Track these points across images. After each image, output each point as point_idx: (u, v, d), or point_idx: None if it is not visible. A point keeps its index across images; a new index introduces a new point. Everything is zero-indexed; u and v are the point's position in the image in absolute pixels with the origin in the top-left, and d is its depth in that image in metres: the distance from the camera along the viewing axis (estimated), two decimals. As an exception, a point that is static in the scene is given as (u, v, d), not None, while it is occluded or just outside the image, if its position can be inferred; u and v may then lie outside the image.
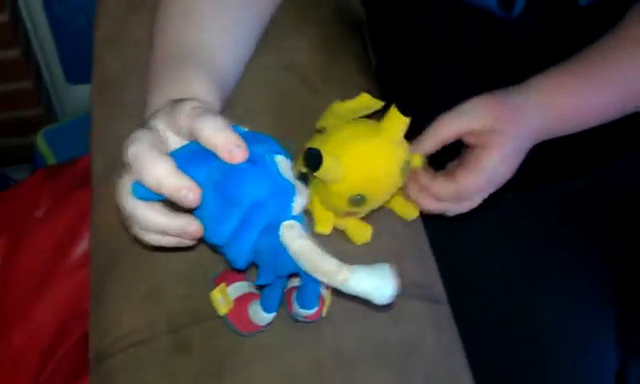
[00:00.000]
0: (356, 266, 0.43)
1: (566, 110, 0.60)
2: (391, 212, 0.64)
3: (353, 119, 0.57)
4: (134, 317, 0.57)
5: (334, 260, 0.43)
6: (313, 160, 0.51)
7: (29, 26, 1.37)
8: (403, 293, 0.60)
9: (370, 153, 0.54)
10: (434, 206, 0.60)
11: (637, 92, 0.62)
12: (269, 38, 0.67)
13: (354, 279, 0.42)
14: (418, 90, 0.74)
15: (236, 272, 0.54)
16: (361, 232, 0.61)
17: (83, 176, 1.13)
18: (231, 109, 0.60)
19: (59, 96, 1.51)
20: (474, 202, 0.59)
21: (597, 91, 0.60)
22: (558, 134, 0.61)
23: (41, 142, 1.36)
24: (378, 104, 0.55)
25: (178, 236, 0.45)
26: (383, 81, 0.77)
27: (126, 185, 0.44)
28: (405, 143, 0.56)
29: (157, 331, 0.55)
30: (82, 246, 1.01)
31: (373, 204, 0.57)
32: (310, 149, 0.51)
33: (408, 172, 0.57)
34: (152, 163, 0.41)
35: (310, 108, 0.68)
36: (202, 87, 0.52)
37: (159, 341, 0.55)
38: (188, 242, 0.48)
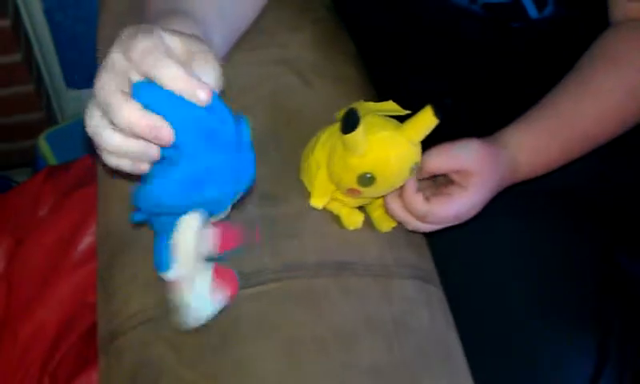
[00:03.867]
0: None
1: (537, 167, 0.66)
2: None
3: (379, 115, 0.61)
4: (143, 297, 0.60)
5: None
6: (351, 120, 0.54)
7: (30, 31, 1.40)
8: (397, 273, 0.64)
9: (391, 141, 0.58)
10: (401, 215, 0.63)
11: (611, 129, 0.67)
12: (264, 33, 0.71)
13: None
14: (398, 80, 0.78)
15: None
16: (353, 218, 0.64)
17: (84, 175, 1.16)
18: (226, 102, 0.63)
19: (59, 100, 1.55)
20: (435, 227, 0.64)
21: (568, 146, 0.66)
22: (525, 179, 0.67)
23: (43, 144, 1.38)
24: (401, 111, 0.59)
25: (137, 157, 0.46)
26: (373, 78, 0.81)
27: (94, 115, 0.45)
28: (419, 146, 0.59)
29: (165, 309, 0.58)
30: (85, 242, 1.04)
31: (376, 190, 0.60)
32: (352, 109, 0.54)
33: (414, 174, 0.61)
34: (119, 109, 0.43)
35: (304, 102, 0.71)
36: (184, 24, 0.54)
37: (167, 318, 0.58)
38: (144, 167, 0.48)
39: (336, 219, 0.64)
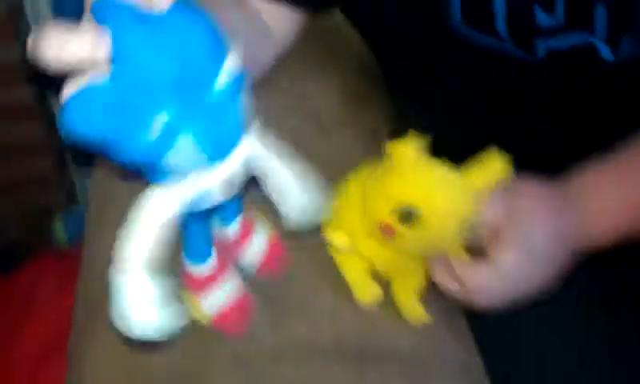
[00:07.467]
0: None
1: (616, 221, 0.52)
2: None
3: None
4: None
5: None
6: (401, 133, 0.46)
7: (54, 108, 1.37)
8: (434, 366, 0.51)
9: (445, 177, 0.46)
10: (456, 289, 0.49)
11: None
12: (289, 80, 0.67)
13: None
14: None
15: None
16: (369, 290, 0.52)
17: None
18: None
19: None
20: (484, 298, 0.48)
21: None
22: (600, 245, 0.52)
23: (57, 224, 1.35)
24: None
25: None
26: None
27: None
28: (476, 204, 0.46)
29: None
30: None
31: (417, 235, 0.46)
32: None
33: (465, 236, 0.47)
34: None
35: (322, 152, 0.63)
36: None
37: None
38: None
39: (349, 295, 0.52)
